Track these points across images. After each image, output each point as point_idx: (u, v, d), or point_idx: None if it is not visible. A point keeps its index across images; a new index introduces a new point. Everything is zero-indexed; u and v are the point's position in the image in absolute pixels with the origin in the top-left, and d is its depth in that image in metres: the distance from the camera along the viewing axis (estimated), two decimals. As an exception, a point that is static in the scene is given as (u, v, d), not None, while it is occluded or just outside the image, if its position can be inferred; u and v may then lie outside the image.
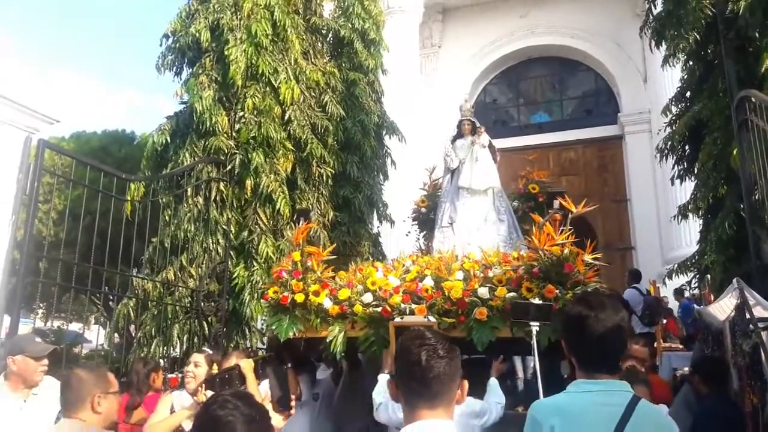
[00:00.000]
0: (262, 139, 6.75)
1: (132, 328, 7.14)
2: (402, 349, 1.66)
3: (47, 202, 9.13)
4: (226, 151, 6.83)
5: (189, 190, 6.68)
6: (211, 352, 4.14)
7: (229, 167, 6.77)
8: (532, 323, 3.64)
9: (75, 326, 14.49)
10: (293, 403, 2.59)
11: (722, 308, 4.30)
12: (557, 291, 4.08)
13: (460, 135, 6.65)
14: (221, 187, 6.76)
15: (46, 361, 3.45)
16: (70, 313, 15.64)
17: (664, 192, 12.77)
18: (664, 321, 9.57)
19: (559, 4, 15.89)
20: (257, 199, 6.74)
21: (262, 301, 5.21)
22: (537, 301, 4.03)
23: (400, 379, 1.64)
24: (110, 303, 11.92)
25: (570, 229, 4.46)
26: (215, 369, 3.72)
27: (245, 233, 6.67)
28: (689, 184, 7.31)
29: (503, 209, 6.38)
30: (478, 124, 6.63)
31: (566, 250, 4.28)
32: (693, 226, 8.50)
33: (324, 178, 7.40)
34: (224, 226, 6.61)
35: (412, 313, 4.32)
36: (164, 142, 7.05)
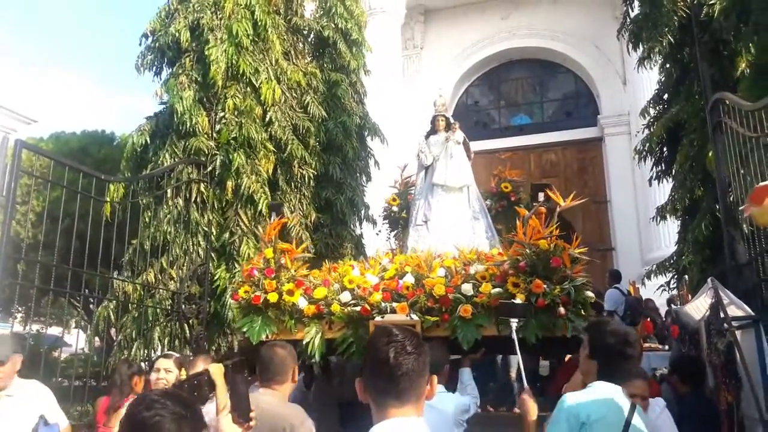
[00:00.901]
0: (243, 140, 6.72)
1: (113, 331, 7.07)
2: (369, 347, 1.63)
3: (25, 204, 9.00)
4: (206, 152, 6.80)
5: (169, 191, 6.63)
6: (177, 355, 3.98)
7: (209, 168, 6.73)
8: (512, 320, 3.61)
9: (54, 330, 14.29)
10: (253, 414, 2.51)
11: (698, 308, 4.37)
12: (545, 286, 4.02)
13: (434, 131, 6.55)
14: (202, 188, 6.73)
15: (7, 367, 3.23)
16: (50, 316, 15.42)
17: (643, 193, 12.92)
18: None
19: (539, 7, 16.03)
20: (238, 201, 6.71)
21: (232, 301, 4.97)
22: (518, 301, 4.00)
23: (367, 378, 1.61)
24: (90, 306, 11.79)
25: (557, 223, 4.40)
26: (184, 373, 3.59)
27: (226, 235, 6.64)
28: (668, 186, 7.42)
29: (479, 207, 6.30)
30: (452, 120, 6.54)
31: (553, 245, 4.21)
32: (672, 227, 8.62)
33: (306, 179, 7.39)
34: (205, 228, 6.57)
35: (393, 311, 4.20)
36: (144, 142, 6.99)
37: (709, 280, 4.29)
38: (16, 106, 5.20)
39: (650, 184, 7.71)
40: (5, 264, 4.61)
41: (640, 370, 3.75)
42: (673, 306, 7.77)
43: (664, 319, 9.58)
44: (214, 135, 6.88)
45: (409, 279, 4.40)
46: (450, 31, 16.72)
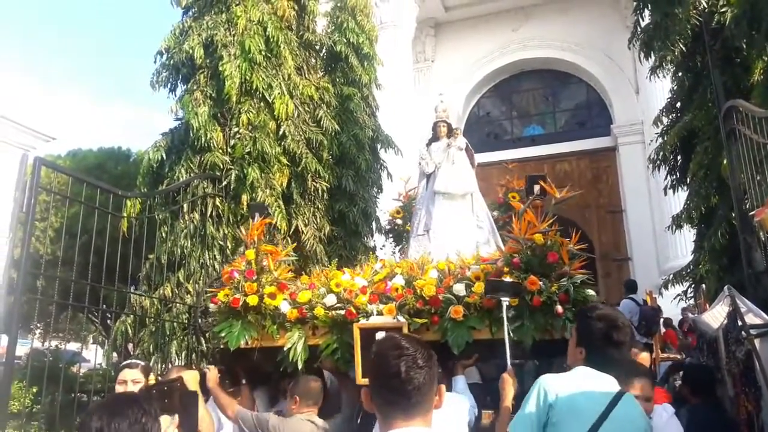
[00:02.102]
0: (257, 155, 6.78)
1: (130, 345, 7.13)
2: (379, 359, 1.60)
3: (44, 220, 9.13)
4: (221, 167, 6.86)
5: (185, 206, 6.70)
6: (143, 363, 3.72)
7: (224, 183, 6.79)
8: (502, 298, 3.44)
9: (73, 345, 14.43)
10: None
11: (715, 316, 4.33)
12: (541, 283, 3.78)
13: (435, 138, 6.32)
14: (217, 202, 6.79)
15: None
16: (68, 332, 15.58)
17: (658, 202, 12.85)
18: (663, 331, 9.59)
19: (550, 18, 16.08)
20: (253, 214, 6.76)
21: (210, 305, 4.62)
22: (509, 279, 3.80)
23: (375, 390, 1.59)
24: (108, 321, 11.89)
25: (554, 216, 4.15)
26: (152, 379, 3.44)
27: (242, 248, 6.69)
28: (683, 194, 7.38)
29: (483, 216, 6.02)
30: (454, 126, 6.32)
31: (550, 240, 3.95)
32: (688, 235, 8.57)
33: (319, 192, 7.44)
34: (221, 242, 6.62)
35: (380, 314, 3.97)
36: (160, 158, 7.08)
37: (725, 288, 4.25)
38: (35, 124, 5.34)
39: (665, 193, 7.68)
40: (25, 280, 4.68)
41: (643, 369, 3.66)
42: (689, 315, 7.69)
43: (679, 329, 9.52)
44: (229, 150, 6.95)
45: (398, 281, 4.18)
46: (461, 44, 16.82)
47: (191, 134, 6.83)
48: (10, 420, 5.20)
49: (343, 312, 4.04)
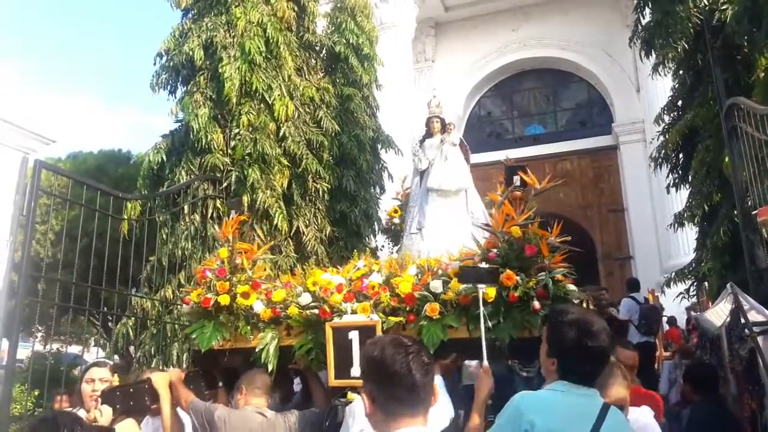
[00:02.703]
0: (257, 156, 6.77)
1: (131, 348, 7.13)
2: (384, 358, 1.60)
3: (44, 223, 9.14)
4: (222, 168, 6.86)
5: (186, 207, 6.69)
6: (111, 362, 3.65)
7: (225, 184, 6.79)
8: (478, 285, 3.30)
9: (74, 348, 14.42)
10: None
11: (718, 314, 4.32)
12: (517, 278, 3.58)
13: (429, 134, 6.15)
14: (218, 203, 6.78)
15: None
16: (70, 335, 15.57)
17: (660, 200, 12.84)
18: (667, 328, 9.58)
19: (550, 17, 16.08)
20: (254, 216, 6.75)
21: (183, 306, 4.45)
22: (485, 265, 3.68)
23: (381, 389, 1.59)
24: (109, 323, 11.89)
25: (533, 207, 3.96)
26: (116, 380, 3.30)
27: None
28: (685, 192, 7.36)
29: (478, 213, 5.82)
30: (447, 121, 6.13)
31: (531, 232, 3.75)
32: (690, 234, 8.55)
33: (320, 193, 7.43)
34: (221, 243, 6.61)
35: (354, 312, 3.84)
36: (160, 160, 7.07)
37: (728, 285, 4.24)
38: (35, 127, 5.33)
39: (668, 192, 7.67)
40: (26, 283, 4.67)
41: (625, 341, 3.60)
42: (692, 313, 7.68)
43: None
44: (229, 151, 6.95)
45: (375, 278, 4.03)
46: (461, 44, 16.82)
47: (191, 136, 6.82)
48: (12, 423, 5.19)
49: (317, 311, 3.91)
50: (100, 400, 2.82)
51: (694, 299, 7.62)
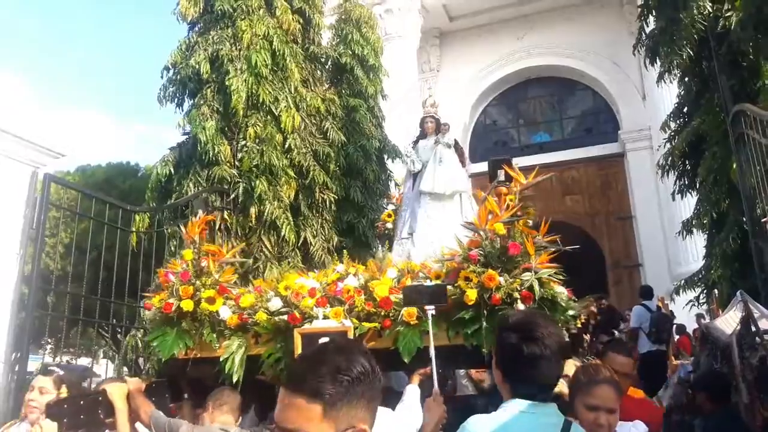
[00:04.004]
0: (264, 167, 6.81)
1: (140, 359, 7.14)
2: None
3: (54, 236, 9.19)
4: (229, 180, 6.89)
5: (193, 219, 6.72)
6: (61, 372, 3.33)
7: (232, 196, 6.82)
8: (427, 307, 3.01)
9: (83, 360, 14.44)
10: None
11: (728, 321, 4.29)
12: (500, 279, 3.33)
13: (423, 135, 5.91)
14: (225, 215, 6.81)
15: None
16: (79, 347, 15.60)
17: (668, 208, 12.78)
18: (677, 337, 9.50)
19: (555, 26, 16.11)
20: (261, 227, 6.77)
21: (146, 312, 4.16)
22: (429, 282, 3.46)
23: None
24: (118, 335, 11.91)
25: (520, 204, 3.71)
26: (64, 392, 3.02)
27: (250, 261, 6.70)
28: (692, 199, 7.33)
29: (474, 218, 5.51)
30: (442, 122, 5.90)
31: (514, 230, 3.52)
32: (699, 241, 8.50)
33: (327, 203, 7.45)
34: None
35: (327, 318, 3.57)
36: (168, 173, 7.11)
37: (738, 293, 4.22)
38: (45, 141, 5.35)
39: (674, 199, 7.63)
40: (36, 296, 4.71)
41: (624, 346, 3.40)
42: (702, 321, 7.63)
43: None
44: (237, 163, 6.98)
45: (350, 281, 3.76)
46: (466, 53, 16.86)
47: (199, 148, 6.86)
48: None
49: (286, 317, 3.62)
50: (46, 412, 2.52)
51: (705, 307, 7.56)
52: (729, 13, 5.56)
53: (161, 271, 4.08)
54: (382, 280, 3.69)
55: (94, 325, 7.46)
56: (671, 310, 9.40)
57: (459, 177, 5.56)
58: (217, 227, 6.73)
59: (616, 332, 8.23)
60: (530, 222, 3.69)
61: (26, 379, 4.55)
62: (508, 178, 4.09)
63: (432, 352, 2.84)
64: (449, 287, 3.42)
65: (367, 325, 3.53)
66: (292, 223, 6.86)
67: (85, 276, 5.46)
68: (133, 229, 6.31)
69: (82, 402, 2.59)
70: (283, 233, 6.70)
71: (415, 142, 5.95)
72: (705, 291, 7.04)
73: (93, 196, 5.82)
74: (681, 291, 7.28)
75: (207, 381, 3.69)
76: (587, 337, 4.77)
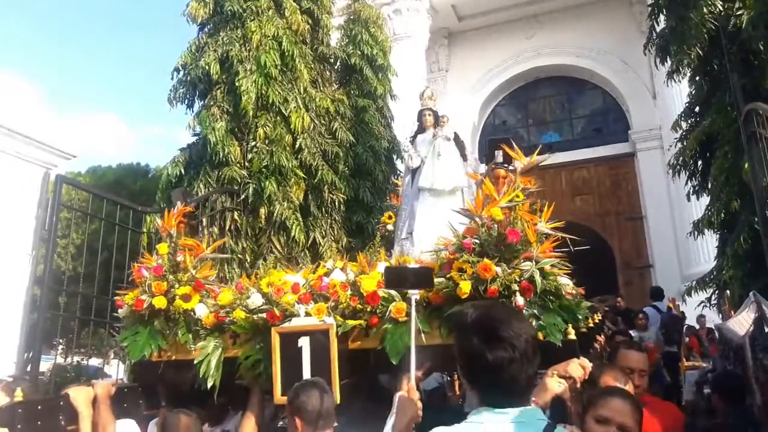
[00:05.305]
0: (274, 168, 6.83)
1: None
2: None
3: (65, 237, 9.25)
4: (239, 181, 6.91)
5: (204, 220, 6.75)
6: (11, 379, 3.13)
7: (242, 196, 6.84)
8: (410, 291, 2.70)
9: (94, 361, 14.51)
10: None
11: (741, 322, 4.25)
12: (497, 269, 3.04)
13: (421, 129, 5.57)
14: (235, 216, 6.83)
15: None
16: (90, 348, 15.69)
17: (679, 208, 12.70)
18: (687, 339, 9.45)
19: (563, 25, 16.04)
20: (271, 228, 6.79)
21: (118, 311, 3.90)
22: (414, 265, 3.23)
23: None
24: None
25: (521, 189, 3.40)
26: (19, 395, 2.75)
27: (260, 261, 6.72)
28: (705, 199, 7.27)
29: None
30: (440, 114, 5.57)
31: (512, 216, 3.21)
32: (710, 241, 8.44)
33: (336, 204, 7.45)
34: (239, 255, 6.66)
35: (309, 315, 3.31)
36: (178, 173, 7.15)
37: (751, 294, 4.18)
38: (57, 143, 5.42)
39: (688, 199, 7.57)
40: (48, 296, 4.74)
41: (631, 342, 3.24)
42: (715, 323, 7.58)
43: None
44: (246, 164, 7.01)
45: (337, 276, 3.50)
46: (474, 53, 16.84)
47: (209, 149, 6.89)
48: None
49: (264, 315, 3.35)
50: None
51: (707, 309, 7.50)
52: (740, 12, 5.52)
53: (135, 266, 3.80)
54: (371, 274, 3.41)
55: (105, 326, 7.50)
56: (682, 311, 9.34)
57: (459, 172, 5.23)
58: (227, 228, 6.76)
59: (632, 333, 8.18)
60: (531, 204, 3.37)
61: (39, 380, 4.59)
62: (507, 160, 3.80)
63: (412, 344, 2.53)
64: (442, 279, 3.16)
65: (351, 322, 3.25)
66: (301, 223, 6.87)
67: (97, 276, 5.49)
68: (144, 230, 6.34)
69: (39, 406, 2.40)
70: (292, 234, 6.72)
71: (414, 137, 5.64)
72: (717, 292, 6.99)
73: (104, 197, 5.86)
74: (693, 292, 7.23)
75: (183, 386, 3.48)
76: (601, 338, 4.69)
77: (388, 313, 3.20)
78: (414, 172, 5.39)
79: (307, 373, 3.04)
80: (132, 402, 2.96)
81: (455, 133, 5.44)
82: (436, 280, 3.05)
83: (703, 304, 7.39)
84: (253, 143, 6.97)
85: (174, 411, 2.99)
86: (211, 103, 7.20)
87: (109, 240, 5.68)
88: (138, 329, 3.59)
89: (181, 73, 7.58)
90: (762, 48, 5.46)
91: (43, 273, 4.74)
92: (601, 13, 15.70)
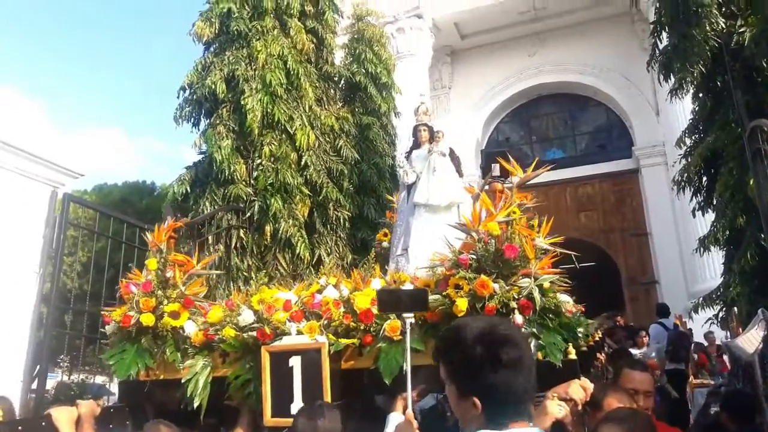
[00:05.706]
0: (279, 186, 6.86)
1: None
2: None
3: (72, 255, 9.28)
4: (244, 199, 6.95)
5: (210, 238, 6.77)
6: None
7: (248, 214, 6.87)
8: (405, 315, 2.57)
9: (99, 379, 14.47)
10: None
11: (750, 340, 4.22)
12: (494, 285, 2.94)
13: (417, 145, 5.58)
14: (241, 234, 6.85)
15: None
16: (95, 365, 15.66)
17: (684, 224, 12.65)
18: (695, 356, 9.37)
19: (566, 42, 16.14)
20: (277, 245, 6.81)
21: (105, 327, 3.76)
22: (409, 286, 3.15)
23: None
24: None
25: (519, 204, 3.32)
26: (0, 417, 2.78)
27: (266, 279, 6.72)
28: (710, 216, 7.25)
29: None
30: (436, 129, 5.59)
31: (510, 231, 3.11)
32: (716, 257, 8.40)
33: (341, 221, 7.47)
34: (245, 273, 6.67)
35: (300, 333, 3.20)
36: (184, 191, 7.18)
37: (759, 311, 4.15)
38: (64, 161, 5.45)
39: (694, 216, 7.54)
40: (54, 314, 4.75)
41: (633, 360, 3.09)
42: (723, 341, 7.52)
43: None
44: (252, 182, 7.04)
45: (330, 293, 3.39)
46: (477, 70, 16.93)
47: (215, 167, 6.93)
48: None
49: (254, 333, 3.26)
50: None
51: (713, 325, 7.44)
52: (742, 29, 5.55)
53: (123, 282, 3.72)
54: (365, 291, 3.32)
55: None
56: (690, 328, 9.27)
57: (455, 188, 5.21)
58: (233, 245, 6.77)
59: (634, 351, 8.14)
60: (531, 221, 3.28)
61: (45, 397, 4.58)
62: (504, 174, 3.75)
63: (408, 367, 2.44)
64: (437, 297, 3.05)
65: (343, 341, 3.15)
66: (306, 240, 6.89)
67: (103, 294, 5.50)
68: (150, 248, 6.35)
69: (20, 427, 2.37)
70: (297, 251, 6.73)
71: (409, 153, 5.65)
72: (724, 308, 6.94)
73: (110, 215, 5.89)
74: (699, 309, 7.18)
75: (171, 406, 3.36)
76: (601, 356, 4.66)
77: (382, 332, 3.11)
78: (409, 187, 5.39)
79: (298, 393, 2.98)
80: (118, 422, 2.90)
81: (450, 148, 5.44)
82: (431, 296, 2.94)
83: (710, 321, 7.34)
84: (259, 161, 7.02)
85: (153, 422, 2.89)
86: (217, 121, 7.25)
87: (115, 258, 5.69)
88: (125, 347, 3.51)
89: (188, 92, 7.65)
90: (765, 65, 5.48)
91: (50, 291, 4.75)
92: (603, 31, 15.79)
